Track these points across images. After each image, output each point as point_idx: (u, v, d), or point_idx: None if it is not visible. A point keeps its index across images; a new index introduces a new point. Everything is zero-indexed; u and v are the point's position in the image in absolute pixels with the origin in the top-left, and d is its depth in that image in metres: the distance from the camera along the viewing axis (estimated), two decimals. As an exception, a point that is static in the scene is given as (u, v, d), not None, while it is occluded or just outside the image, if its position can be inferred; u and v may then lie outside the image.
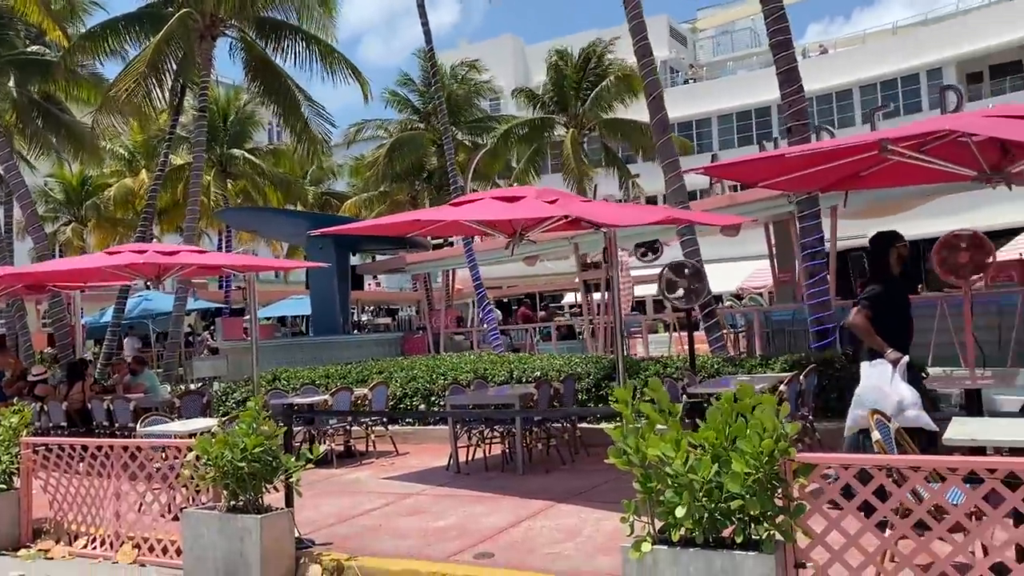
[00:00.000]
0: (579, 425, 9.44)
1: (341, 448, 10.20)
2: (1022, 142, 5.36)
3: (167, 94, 20.75)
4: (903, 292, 6.45)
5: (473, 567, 5.26)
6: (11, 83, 20.83)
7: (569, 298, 37.20)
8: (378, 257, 27.29)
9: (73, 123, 22.35)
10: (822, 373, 8.56)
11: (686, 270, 9.64)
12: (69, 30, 19.96)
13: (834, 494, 3.78)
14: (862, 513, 3.74)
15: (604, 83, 29.85)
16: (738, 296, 27.48)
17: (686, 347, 17.37)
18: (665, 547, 3.88)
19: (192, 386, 17.85)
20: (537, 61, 41.53)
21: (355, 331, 28.80)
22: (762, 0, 10.55)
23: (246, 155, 34.25)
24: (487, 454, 8.97)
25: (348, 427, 10.23)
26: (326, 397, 10.32)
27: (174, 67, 20.33)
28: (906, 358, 5.41)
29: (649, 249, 16.04)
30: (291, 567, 5.62)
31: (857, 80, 36.11)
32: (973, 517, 3.60)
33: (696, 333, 11.27)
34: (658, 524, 3.97)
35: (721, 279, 22.90)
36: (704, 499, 3.77)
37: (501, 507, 6.87)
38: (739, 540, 3.76)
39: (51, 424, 11.30)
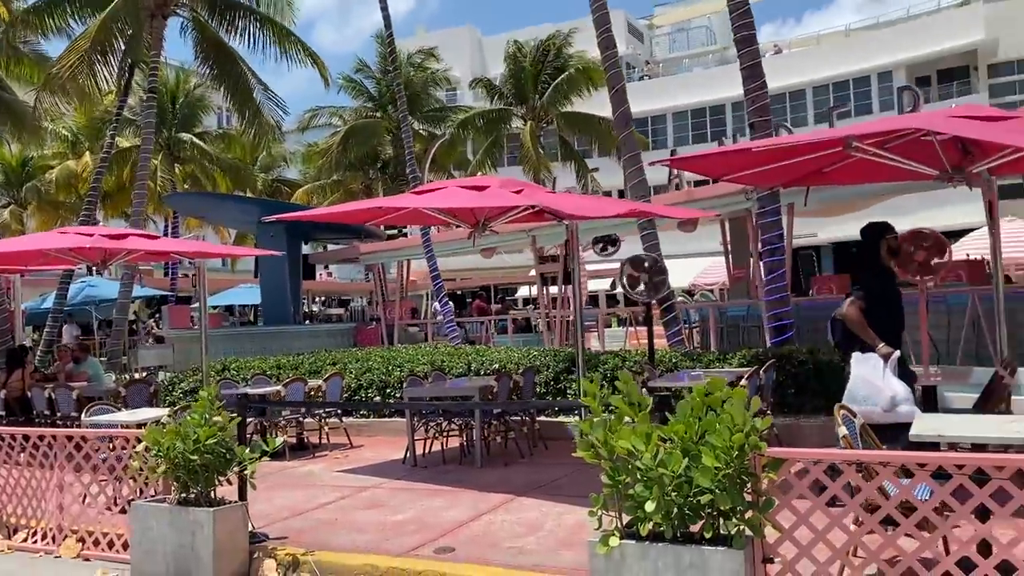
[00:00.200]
0: (538, 418, 9.39)
1: (294, 440, 9.99)
2: (986, 142, 5.44)
3: (114, 74, 20.12)
4: (894, 285, 6.35)
5: (434, 562, 5.15)
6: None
7: (523, 291, 37.24)
8: (331, 246, 26.89)
9: (14, 101, 21.48)
10: (780, 369, 8.61)
11: (647, 264, 9.63)
12: (12, 4, 19.22)
13: (803, 489, 3.77)
14: (831, 508, 3.73)
15: (563, 76, 29.85)
16: (689, 292, 27.73)
17: (641, 341, 17.46)
18: (633, 542, 3.83)
19: (137, 375, 17.40)
20: (494, 53, 41.44)
21: (306, 321, 28.41)
22: (727, -4, 10.59)
23: (195, 140, 33.47)
24: (444, 447, 8.86)
25: (301, 419, 10.02)
26: (279, 388, 10.09)
27: (122, 46, 19.71)
28: (897, 353, 5.41)
29: (608, 243, 16.05)
30: (245, 561, 5.44)
31: (811, 80, 36.77)
32: (940, 512, 3.61)
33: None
34: (626, 518, 3.91)
35: (673, 275, 23.05)
36: (674, 493, 3.72)
37: (460, 500, 6.76)
38: (708, 535, 3.73)
39: (-12, 413, 10.88)
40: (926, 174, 5.94)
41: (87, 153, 31.73)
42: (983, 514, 3.54)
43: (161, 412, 7.35)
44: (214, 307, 32.47)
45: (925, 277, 9.12)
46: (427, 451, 8.82)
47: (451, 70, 35.75)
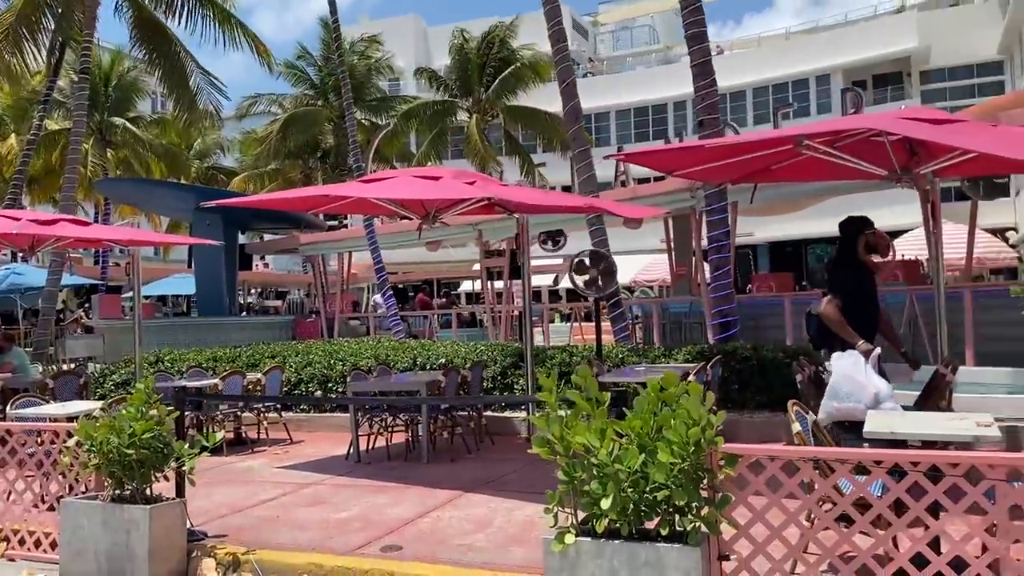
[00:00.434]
0: (484, 413, 9.30)
1: (232, 435, 9.71)
2: (933, 144, 5.53)
3: (43, 53, 19.29)
4: (872, 281, 6.25)
5: (381, 560, 5.01)
6: None
7: (466, 285, 37.06)
8: (268, 236, 26.30)
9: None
10: (724, 365, 8.68)
11: (599, 259, 9.61)
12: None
13: (760, 485, 3.75)
14: (786, 505, 3.72)
15: (509, 69, 29.74)
16: (630, 289, 27.96)
17: (586, 337, 17.48)
18: (589, 539, 3.76)
19: (65, 366, 16.74)
20: (439, 44, 41.14)
21: (243, 313, 27.77)
22: (680, -7, 10.60)
23: (128, 124, 32.43)
24: (389, 443, 8.69)
25: (239, 413, 9.75)
26: (216, 381, 9.79)
27: (52, 24, 18.91)
28: (878, 350, 5.43)
29: (552, 238, 16.04)
30: (182, 560, 5.22)
31: (752, 82, 37.40)
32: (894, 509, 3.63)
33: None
34: (581, 515, 3.84)
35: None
36: (630, 490, 3.66)
37: (406, 497, 6.63)
38: (664, 532, 3.68)
39: (-97, 405, 10.29)
40: (874, 174, 6.03)
41: (12, 135, 30.44)
42: (935, 511, 3.57)
43: (93, 405, 7.04)
44: (147, 297, 31.50)
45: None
46: (371, 447, 8.64)
47: (394, 59, 35.30)
